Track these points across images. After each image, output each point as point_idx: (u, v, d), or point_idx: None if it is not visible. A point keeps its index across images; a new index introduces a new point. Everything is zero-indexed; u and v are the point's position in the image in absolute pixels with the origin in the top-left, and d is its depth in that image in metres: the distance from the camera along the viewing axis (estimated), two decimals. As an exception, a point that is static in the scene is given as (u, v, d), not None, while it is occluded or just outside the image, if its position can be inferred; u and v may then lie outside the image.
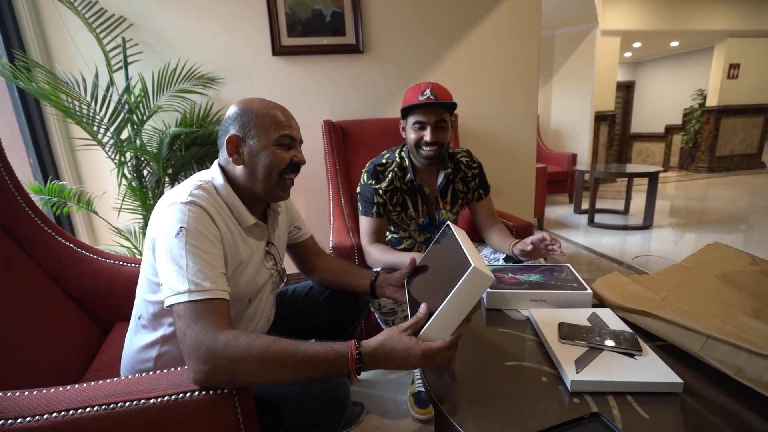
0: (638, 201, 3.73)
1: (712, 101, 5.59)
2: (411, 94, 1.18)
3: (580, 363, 0.67)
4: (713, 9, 4.94)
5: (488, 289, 0.91)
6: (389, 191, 1.25)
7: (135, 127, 1.62)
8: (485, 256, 1.32)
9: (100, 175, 1.88)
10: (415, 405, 1.25)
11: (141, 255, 1.78)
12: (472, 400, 0.64)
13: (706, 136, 5.72)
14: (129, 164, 1.64)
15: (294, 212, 1.03)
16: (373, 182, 1.25)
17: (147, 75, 1.69)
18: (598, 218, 3.40)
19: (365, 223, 1.28)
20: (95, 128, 1.55)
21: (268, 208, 0.89)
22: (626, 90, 7.60)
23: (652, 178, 3.04)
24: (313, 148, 1.99)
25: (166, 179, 1.69)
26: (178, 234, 0.64)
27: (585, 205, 3.69)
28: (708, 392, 0.63)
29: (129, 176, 1.64)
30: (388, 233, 1.40)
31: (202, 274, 0.63)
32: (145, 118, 1.65)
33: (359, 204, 1.31)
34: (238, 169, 0.78)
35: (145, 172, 1.67)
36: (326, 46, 1.95)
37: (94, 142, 1.56)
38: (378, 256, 1.22)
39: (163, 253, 0.64)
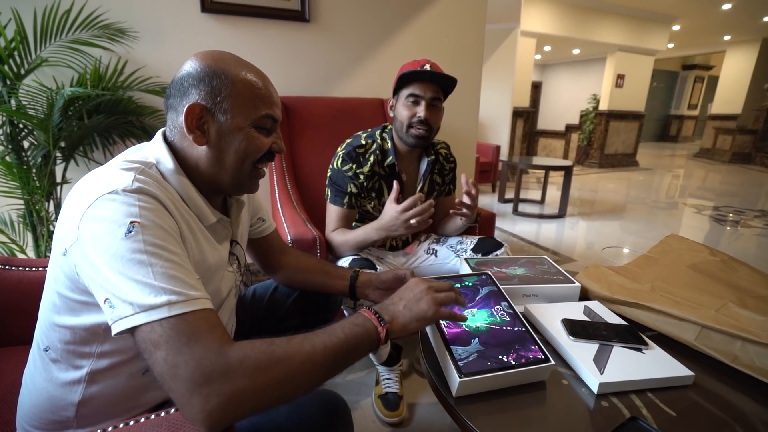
0: (549, 192, 4.12)
1: (603, 105, 6.42)
2: (409, 66, 1.10)
3: (599, 362, 0.65)
4: (608, 23, 5.63)
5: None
6: (368, 176, 1.15)
7: (8, 82, 1.22)
8: (451, 247, 1.28)
9: (-50, 145, 1.40)
10: (383, 408, 1.16)
11: (24, 253, 1.38)
12: (493, 408, 0.58)
13: (598, 136, 6.57)
14: (0, 132, 1.24)
15: (257, 201, 0.85)
16: (354, 166, 1.13)
17: (26, 14, 1.27)
18: (521, 207, 3.66)
19: (334, 212, 1.16)
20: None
21: (230, 198, 0.71)
22: (535, 90, 8.37)
23: (568, 171, 3.37)
24: (252, 125, 1.75)
25: (58, 154, 1.31)
26: (130, 232, 0.45)
27: (507, 195, 3.96)
28: (707, 382, 0.65)
29: (1, 148, 1.24)
30: (353, 223, 1.28)
31: (177, 280, 0.45)
32: (23, 71, 1.25)
33: (328, 189, 1.18)
34: (199, 151, 0.58)
35: (26, 144, 1.27)
36: (267, 8, 1.70)
37: (-58, 99, 1.13)
38: (343, 238, 1.13)
39: (107, 261, 0.44)
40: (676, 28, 6.31)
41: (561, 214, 3.46)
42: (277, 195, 1.53)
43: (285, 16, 1.75)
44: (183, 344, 0.42)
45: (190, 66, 0.58)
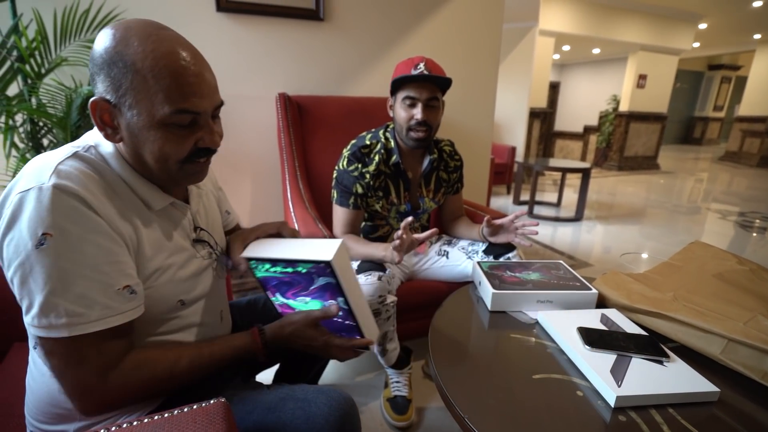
0: (565, 194, 4.03)
1: (623, 107, 6.25)
2: (403, 67, 1.07)
3: (616, 374, 0.61)
4: (630, 22, 5.47)
5: (493, 290, 0.84)
6: (374, 175, 1.14)
7: (29, 81, 1.25)
8: (462, 249, 1.26)
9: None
10: (392, 411, 1.15)
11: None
12: (504, 419, 0.56)
13: (618, 137, 6.40)
14: (21, 130, 1.27)
15: (223, 194, 0.82)
16: (360, 166, 1.13)
17: (47, 14, 1.30)
18: (536, 210, 3.59)
19: (341, 213, 1.16)
20: (-32, 78, 1.16)
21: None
22: (552, 90, 8.20)
23: (585, 173, 3.28)
24: (266, 124, 1.75)
25: (76, 152, 1.34)
26: (41, 244, 0.43)
27: (522, 197, 3.89)
28: (733, 399, 0.61)
29: (22, 146, 1.27)
30: (363, 223, 1.28)
31: (86, 300, 0.47)
32: (43, 70, 1.28)
33: (334, 191, 1.17)
34: (119, 147, 0.53)
35: (45, 142, 1.30)
36: (281, 7, 1.70)
37: (-33, 97, 1.16)
38: (351, 245, 1.12)
39: (19, 271, 0.45)
40: (702, 26, 6.09)
41: (578, 218, 3.38)
42: (288, 194, 1.53)
43: (299, 15, 1.74)
44: (72, 363, 0.47)
45: (95, 44, 0.48)
